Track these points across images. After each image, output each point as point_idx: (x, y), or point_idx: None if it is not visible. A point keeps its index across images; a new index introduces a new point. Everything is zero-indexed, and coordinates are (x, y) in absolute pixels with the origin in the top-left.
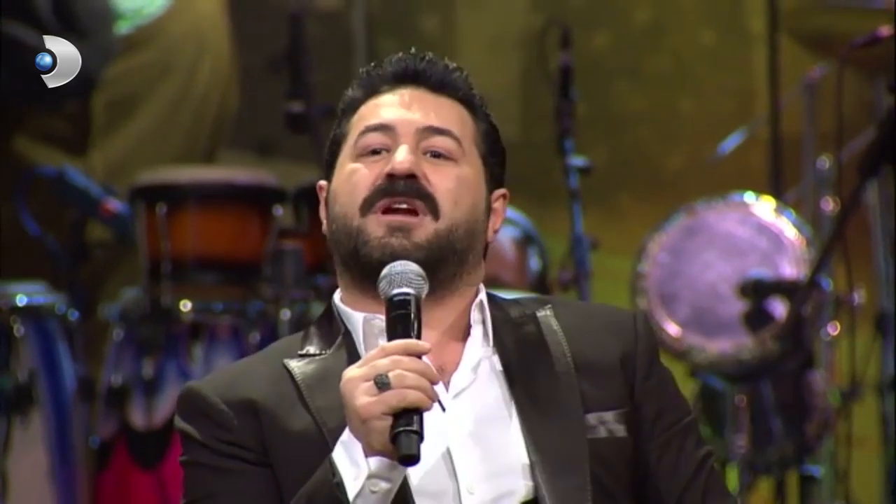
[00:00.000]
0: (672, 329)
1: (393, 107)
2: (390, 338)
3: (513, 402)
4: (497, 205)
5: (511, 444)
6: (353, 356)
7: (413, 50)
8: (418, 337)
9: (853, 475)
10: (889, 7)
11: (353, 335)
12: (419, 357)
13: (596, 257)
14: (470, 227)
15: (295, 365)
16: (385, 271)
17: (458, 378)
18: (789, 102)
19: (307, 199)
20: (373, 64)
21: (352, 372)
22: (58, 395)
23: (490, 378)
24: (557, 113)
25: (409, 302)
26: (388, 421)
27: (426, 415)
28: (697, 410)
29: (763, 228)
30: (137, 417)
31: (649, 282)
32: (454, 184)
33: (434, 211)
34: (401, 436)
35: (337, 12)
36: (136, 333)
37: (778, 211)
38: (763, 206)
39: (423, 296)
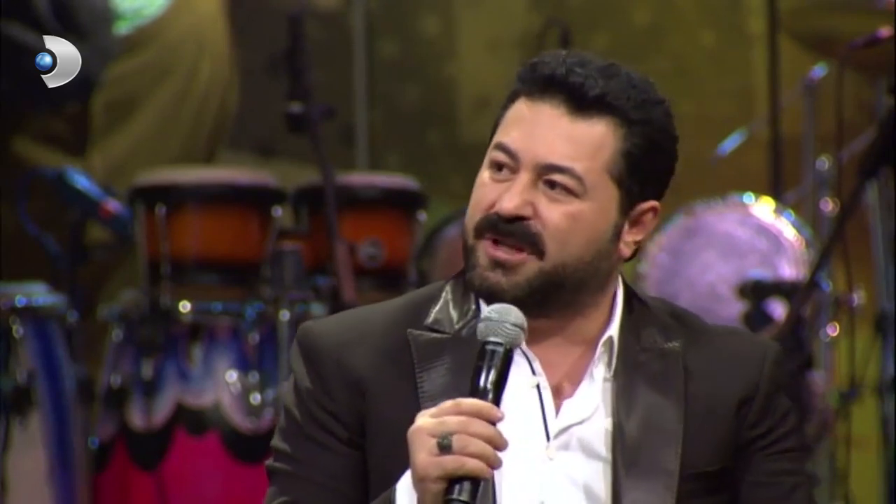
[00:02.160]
0: None
1: (525, 129)
2: (472, 385)
3: (611, 451)
4: (644, 218)
5: (599, 491)
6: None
7: (571, 53)
8: (500, 391)
9: (852, 476)
10: (889, 8)
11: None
12: (493, 422)
13: None
14: (582, 262)
15: (417, 339)
16: (484, 313)
17: (569, 411)
18: (789, 103)
19: (307, 200)
20: (537, 58)
21: (422, 421)
22: (57, 396)
23: (600, 420)
24: None
25: (496, 353)
26: (443, 485)
27: (527, 455)
28: None
29: (762, 229)
30: (137, 418)
31: (649, 282)
32: (566, 222)
33: (539, 251)
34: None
35: (336, 13)
36: (135, 334)
37: (777, 212)
38: (762, 207)
39: (520, 343)
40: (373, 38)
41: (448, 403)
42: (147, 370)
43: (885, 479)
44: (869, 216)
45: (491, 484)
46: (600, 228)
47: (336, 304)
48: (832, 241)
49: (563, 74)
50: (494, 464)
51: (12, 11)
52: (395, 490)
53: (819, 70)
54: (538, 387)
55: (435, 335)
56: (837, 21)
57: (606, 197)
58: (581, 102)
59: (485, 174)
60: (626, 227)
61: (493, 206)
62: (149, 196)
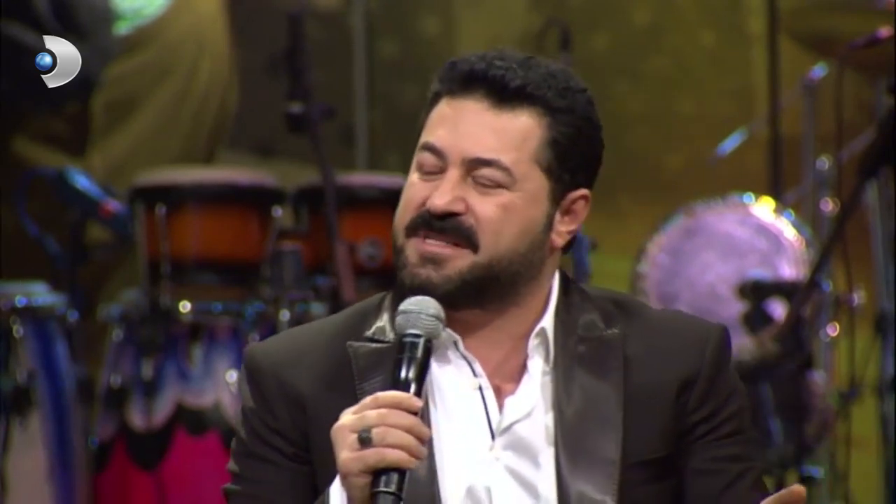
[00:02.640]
0: None
1: (448, 126)
2: (393, 378)
3: (554, 445)
4: (575, 206)
5: (545, 487)
6: None
7: (492, 49)
8: (420, 382)
9: (852, 476)
10: (889, 8)
11: None
12: (414, 412)
13: (595, 258)
14: (516, 254)
15: (357, 351)
16: (402, 307)
17: (512, 408)
18: (789, 103)
19: (307, 200)
20: (454, 58)
21: (343, 419)
22: (57, 396)
23: (541, 414)
24: None
25: (415, 345)
26: (367, 479)
27: (474, 442)
28: None
29: (762, 229)
30: (137, 418)
31: (649, 283)
32: (498, 215)
33: (473, 245)
34: (377, 496)
35: (336, 13)
36: (135, 334)
37: (777, 212)
38: (762, 207)
39: (439, 334)
40: (373, 38)
41: (367, 399)
42: (147, 370)
43: (885, 478)
44: (869, 216)
45: (436, 487)
46: (533, 218)
47: (336, 303)
48: (832, 241)
49: (483, 69)
50: (416, 453)
51: (12, 11)
52: (328, 493)
53: (819, 70)
54: (480, 388)
55: (374, 345)
56: (837, 21)
57: (536, 187)
58: (503, 94)
59: (413, 176)
60: (559, 216)
61: (423, 204)
62: (149, 196)
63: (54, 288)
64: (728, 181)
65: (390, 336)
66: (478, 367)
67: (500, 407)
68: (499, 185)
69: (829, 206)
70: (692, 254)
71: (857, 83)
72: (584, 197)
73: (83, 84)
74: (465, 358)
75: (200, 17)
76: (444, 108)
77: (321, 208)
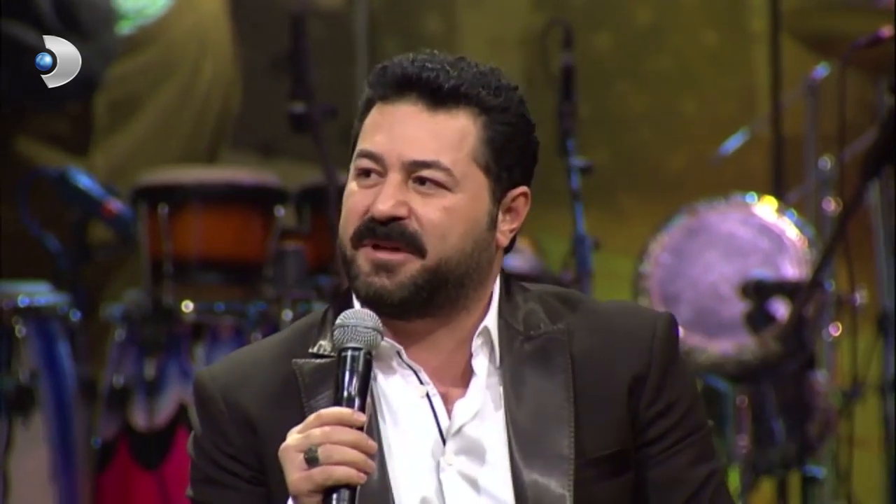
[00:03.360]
0: None
1: (385, 131)
2: (336, 395)
3: (507, 445)
4: (515, 204)
5: (500, 488)
6: None
7: (420, 51)
8: (364, 395)
9: (855, 475)
10: (891, 7)
11: None
12: (359, 427)
13: (598, 258)
14: (463, 255)
15: (302, 369)
16: (339, 320)
17: (461, 411)
18: (791, 103)
19: (309, 200)
20: (385, 62)
21: (289, 440)
22: (59, 396)
23: (491, 414)
24: (559, 113)
25: (355, 359)
26: (318, 498)
27: (427, 441)
28: None
29: (765, 229)
30: (139, 418)
31: (651, 282)
32: (442, 216)
33: (419, 249)
34: None
35: (339, 12)
36: (137, 334)
37: (780, 211)
38: (765, 207)
39: (377, 345)
40: (375, 37)
41: (311, 417)
42: (150, 370)
43: (888, 478)
44: (871, 216)
45: (390, 499)
46: (476, 218)
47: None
48: (834, 241)
49: (415, 72)
50: (363, 468)
51: (14, 11)
52: None
53: (821, 70)
54: (428, 395)
55: (319, 361)
56: (839, 21)
57: (477, 186)
58: (437, 96)
59: (352, 185)
60: (501, 215)
61: (366, 211)
62: (151, 196)
63: (57, 288)
64: (730, 181)
65: (334, 350)
66: (423, 375)
67: (449, 413)
68: (441, 187)
69: (831, 205)
70: (695, 253)
71: (860, 83)
72: (523, 194)
73: (85, 84)
74: (409, 367)
75: (203, 17)
76: (378, 115)
77: (324, 208)
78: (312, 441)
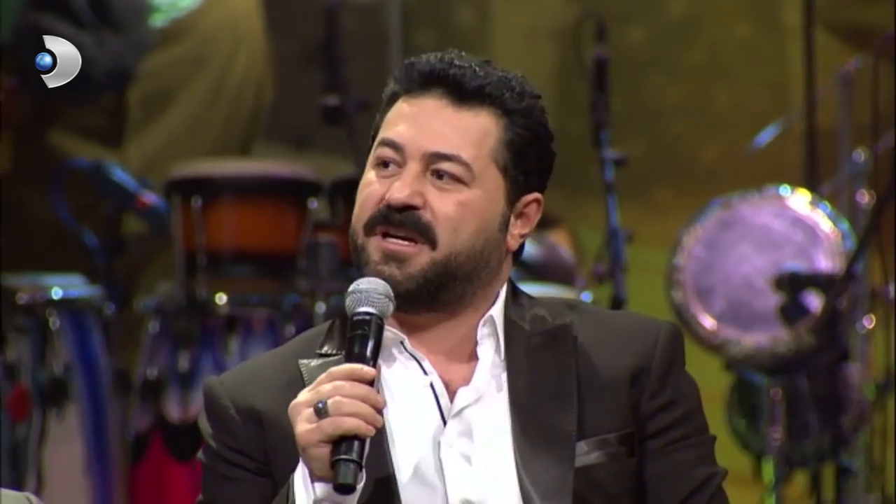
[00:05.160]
0: (707, 322)
1: (409, 122)
2: (347, 357)
3: (510, 426)
4: (528, 209)
5: (502, 468)
6: None
7: (448, 51)
8: (375, 358)
9: (888, 468)
10: None
11: None
12: (368, 382)
13: (631, 250)
14: (473, 251)
15: (308, 367)
16: (352, 287)
17: (463, 395)
18: (825, 95)
19: (342, 192)
20: (412, 58)
21: (299, 397)
22: (93, 389)
23: (494, 398)
24: (593, 105)
25: (367, 322)
26: (326, 448)
27: (427, 426)
28: (733, 403)
29: (798, 221)
30: (173, 410)
31: (685, 275)
32: (456, 211)
33: (431, 241)
34: (338, 464)
35: (372, 5)
36: (171, 326)
37: (813, 204)
38: (798, 199)
39: (389, 314)
40: (408, 29)
41: (322, 375)
42: (183, 362)
43: None
44: None
45: (394, 484)
46: (489, 217)
47: None
48: (868, 233)
49: (443, 68)
50: (372, 421)
51: (49, 4)
52: (291, 479)
53: (855, 62)
54: (431, 385)
55: (324, 360)
56: (873, 13)
57: (493, 186)
58: (463, 93)
59: (370, 174)
60: (513, 219)
61: (381, 200)
62: (185, 188)
63: (91, 280)
64: (764, 173)
65: (339, 349)
66: (427, 365)
67: (452, 398)
68: (458, 181)
69: (864, 198)
70: (728, 246)
71: (893, 75)
72: (536, 201)
73: (119, 76)
74: (413, 357)
75: (236, 10)
76: (402, 106)
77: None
78: (322, 395)
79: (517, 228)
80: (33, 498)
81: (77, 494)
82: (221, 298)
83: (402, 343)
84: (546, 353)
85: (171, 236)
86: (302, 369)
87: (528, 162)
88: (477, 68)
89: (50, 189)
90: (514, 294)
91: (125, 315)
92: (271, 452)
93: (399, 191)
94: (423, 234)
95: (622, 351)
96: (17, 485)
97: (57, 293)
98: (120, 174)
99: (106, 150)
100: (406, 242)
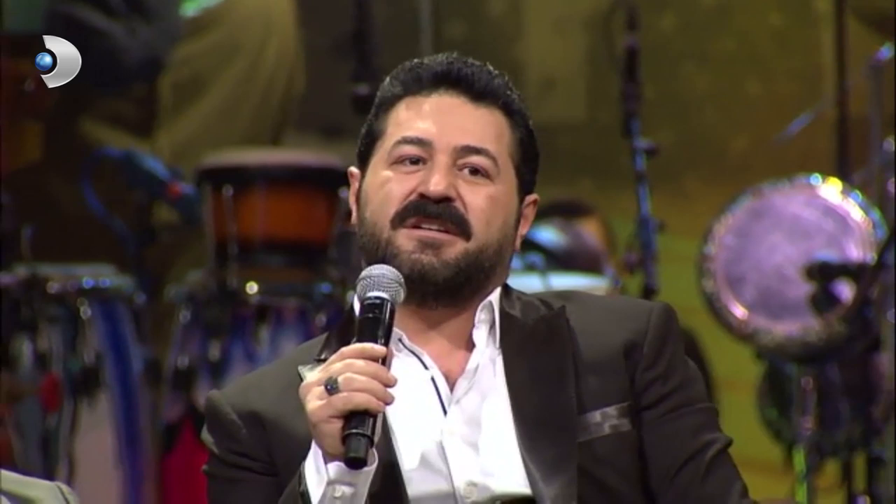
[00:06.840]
0: (738, 311)
1: (430, 118)
2: (358, 338)
3: (510, 407)
4: (527, 211)
5: (505, 449)
6: None
7: (445, 53)
8: (386, 341)
9: None
10: None
11: None
12: (378, 360)
13: (662, 239)
14: (500, 244)
15: (307, 371)
16: (363, 274)
17: (462, 384)
18: (856, 84)
19: None
20: (414, 61)
21: (310, 377)
22: (124, 378)
23: (491, 383)
24: (623, 95)
25: (378, 305)
26: (338, 424)
27: (425, 416)
28: (764, 392)
29: (829, 210)
30: (204, 399)
31: (715, 264)
32: (487, 204)
33: (466, 233)
34: (349, 438)
35: None
36: (202, 315)
37: (844, 193)
38: (829, 188)
39: (400, 300)
40: (439, 18)
41: (333, 356)
42: (214, 351)
43: None
44: None
45: (398, 475)
46: (510, 212)
47: None
48: None
49: (455, 68)
50: (382, 397)
51: None
52: (302, 466)
53: (886, 51)
54: (433, 379)
55: (324, 363)
56: None
57: (511, 181)
58: (477, 91)
59: (386, 172)
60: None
61: (410, 193)
62: (216, 177)
63: (121, 269)
64: (795, 162)
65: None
66: (427, 359)
67: (452, 387)
68: (486, 176)
69: (895, 187)
70: (759, 235)
71: None
72: (535, 202)
73: (150, 65)
74: (412, 352)
75: None
76: (415, 106)
77: None
78: (333, 373)
79: (521, 228)
80: (65, 487)
81: (108, 484)
82: (252, 288)
83: (399, 340)
84: (540, 336)
85: (202, 225)
86: (301, 374)
87: (531, 161)
88: (480, 69)
89: (81, 178)
90: (506, 288)
91: (156, 304)
92: (275, 453)
93: (437, 183)
94: (459, 225)
95: (616, 328)
96: (49, 474)
97: (88, 282)
98: (151, 163)
99: (137, 139)
100: (442, 232)
